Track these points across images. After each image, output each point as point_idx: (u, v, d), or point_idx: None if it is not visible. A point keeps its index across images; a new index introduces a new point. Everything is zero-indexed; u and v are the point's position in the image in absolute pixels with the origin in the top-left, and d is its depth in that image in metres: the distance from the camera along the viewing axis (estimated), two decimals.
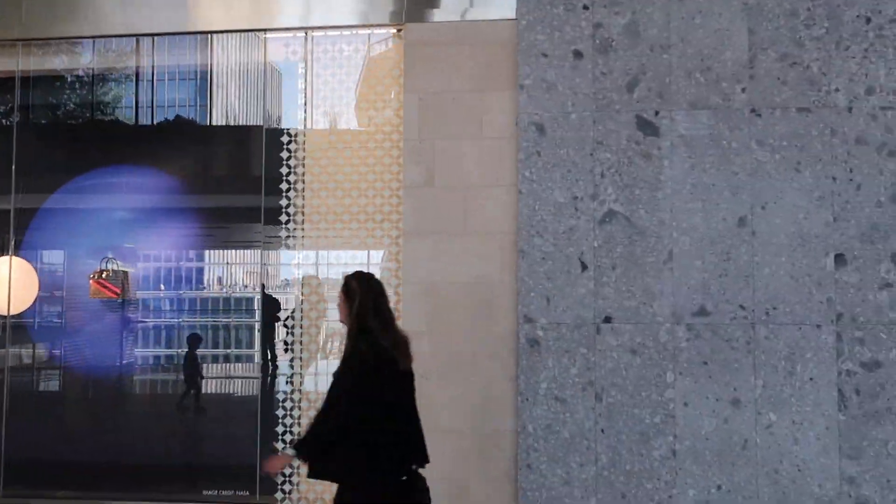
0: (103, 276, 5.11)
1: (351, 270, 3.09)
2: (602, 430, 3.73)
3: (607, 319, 3.78)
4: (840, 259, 3.70)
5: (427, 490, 2.83)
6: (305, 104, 4.31)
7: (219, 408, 5.08)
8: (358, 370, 2.72)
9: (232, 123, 4.61)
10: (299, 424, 4.21)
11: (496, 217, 3.98)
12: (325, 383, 3.74)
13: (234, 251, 4.52)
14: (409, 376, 2.89)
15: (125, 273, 5.20)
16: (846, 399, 3.64)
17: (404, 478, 2.74)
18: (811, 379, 3.66)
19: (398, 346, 2.84)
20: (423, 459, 2.84)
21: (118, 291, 5.11)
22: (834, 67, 3.78)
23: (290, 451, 3.02)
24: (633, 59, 3.89)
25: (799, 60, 3.80)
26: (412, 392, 2.91)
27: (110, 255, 5.17)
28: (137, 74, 4.66)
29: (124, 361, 4.98)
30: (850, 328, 3.66)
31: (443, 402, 3.88)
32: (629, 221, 3.81)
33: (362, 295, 2.83)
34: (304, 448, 2.82)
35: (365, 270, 3.18)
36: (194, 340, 5.13)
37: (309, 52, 4.36)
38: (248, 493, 4.42)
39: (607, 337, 3.77)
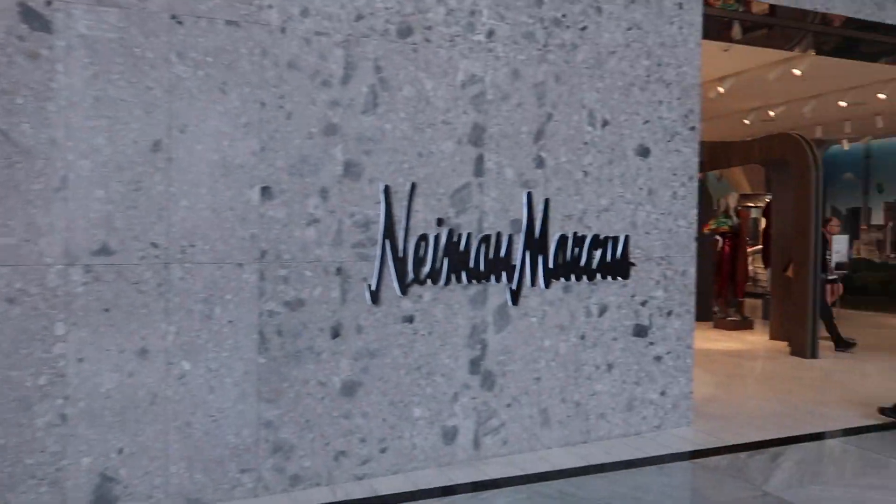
0: None
1: None
2: None
3: None
4: (266, 192, 3.44)
5: None
6: None
7: None
8: None
9: None
10: None
11: None
12: None
13: None
14: None
15: None
16: (267, 341, 3.45)
17: None
18: (231, 322, 3.38)
19: None
20: None
21: None
22: None
23: None
24: None
25: None
26: None
27: None
28: None
29: None
30: (275, 266, 3.46)
31: None
32: (7, 138, 3.01)
33: None
34: None
35: None
36: None
37: None
38: None
39: None
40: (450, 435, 3.93)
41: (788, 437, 4.54)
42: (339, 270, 3.59)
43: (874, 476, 3.90)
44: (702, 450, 4.30)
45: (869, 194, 13.81)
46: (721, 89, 8.15)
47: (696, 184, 4.71)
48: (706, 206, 10.41)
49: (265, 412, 3.45)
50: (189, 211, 3.29)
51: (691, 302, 4.71)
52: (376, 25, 3.67)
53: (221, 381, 3.36)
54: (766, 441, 4.46)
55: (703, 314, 9.82)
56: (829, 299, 8.05)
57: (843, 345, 7.72)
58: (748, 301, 10.33)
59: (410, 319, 3.78)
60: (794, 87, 8.33)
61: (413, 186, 3.76)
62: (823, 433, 4.67)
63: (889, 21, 5.58)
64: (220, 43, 3.34)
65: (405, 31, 3.74)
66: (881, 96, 8.72)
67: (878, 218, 13.65)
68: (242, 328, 3.39)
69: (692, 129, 4.66)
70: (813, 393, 5.77)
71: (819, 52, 6.68)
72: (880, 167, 13.63)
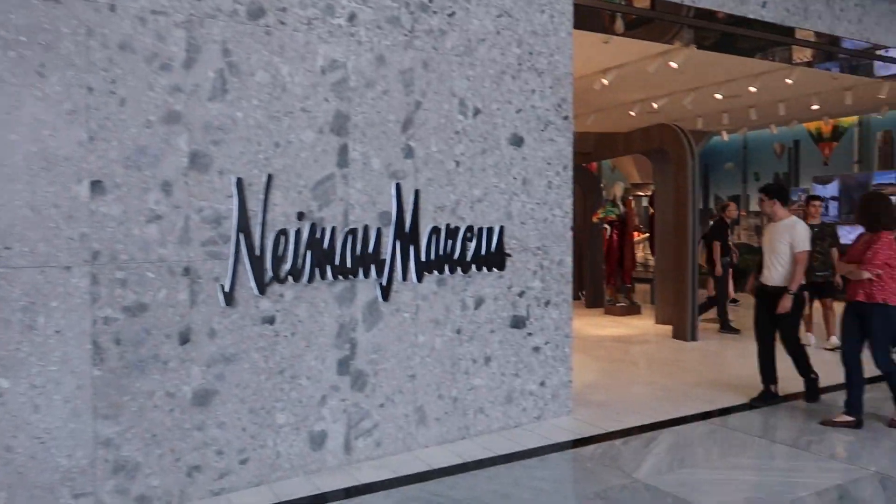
0: None
1: None
2: None
3: None
4: (98, 186, 3.11)
5: None
6: None
7: None
8: None
9: None
10: None
11: None
12: None
13: None
14: None
15: None
16: (103, 351, 3.12)
17: None
18: (58, 332, 3.03)
19: None
20: None
21: None
22: None
23: None
24: None
25: None
26: None
27: None
28: None
29: None
30: (110, 268, 3.13)
31: None
32: None
33: None
34: None
35: None
36: None
37: None
38: None
39: None
40: (318, 440, 3.73)
41: (663, 422, 4.62)
42: (186, 270, 3.31)
43: (740, 456, 4.01)
44: (580, 439, 4.30)
45: (747, 182, 14.59)
46: (605, 81, 8.28)
47: (570, 173, 4.70)
48: (598, 195, 10.65)
49: (103, 429, 3.12)
50: (4, 210, 2.92)
51: (568, 291, 4.70)
52: (223, 5, 3.39)
53: (48, 398, 3.01)
54: (641, 426, 4.52)
55: (596, 300, 10.06)
56: (729, 282, 8.37)
57: (727, 328, 8.04)
58: (640, 286, 10.64)
59: (271, 320, 3.55)
60: (674, 79, 8.58)
61: (269, 178, 3.51)
62: (696, 415, 4.79)
63: (751, 15, 5.78)
64: (36, 20, 2.97)
65: (256, 13, 3.48)
66: (752, 89, 9.14)
67: (755, 205, 14.45)
68: (72, 338, 3.05)
69: (566, 118, 4.64)
70: (691, 376, 5.94)
71: (700, 47, 6.89)
72: (756, 157, 14.43)
